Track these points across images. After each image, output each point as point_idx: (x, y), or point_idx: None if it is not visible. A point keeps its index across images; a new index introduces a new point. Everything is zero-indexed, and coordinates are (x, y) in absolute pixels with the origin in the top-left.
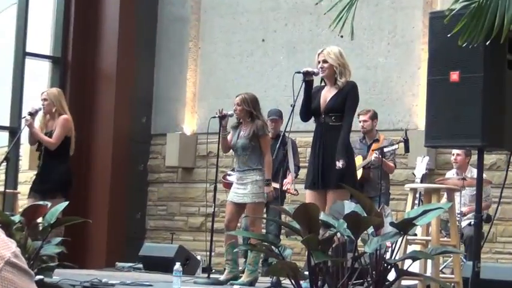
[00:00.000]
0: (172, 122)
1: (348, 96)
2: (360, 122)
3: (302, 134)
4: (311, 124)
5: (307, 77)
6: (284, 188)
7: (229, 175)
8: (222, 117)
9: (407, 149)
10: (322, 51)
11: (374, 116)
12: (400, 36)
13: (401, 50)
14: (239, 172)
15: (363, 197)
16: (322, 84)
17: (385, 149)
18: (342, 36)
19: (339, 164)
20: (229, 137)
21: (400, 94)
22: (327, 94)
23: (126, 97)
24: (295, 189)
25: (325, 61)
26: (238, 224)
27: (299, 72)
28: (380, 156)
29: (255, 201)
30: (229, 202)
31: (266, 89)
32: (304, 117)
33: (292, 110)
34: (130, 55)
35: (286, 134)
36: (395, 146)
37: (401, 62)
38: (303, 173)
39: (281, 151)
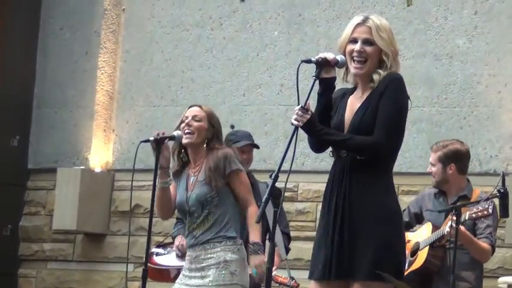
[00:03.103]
0: (68, 148)
1: (384, 97)
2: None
3: (306, 177)
4: (327, 159)
5: (324, 70)
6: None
7: (159, 254)
8: (161, 141)
9: (505, 212)
10: (364, 21)
11: (448, 157)
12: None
13: (499, 24)
14: (192, 248)
15: None
16: (353, 83)
17: (468, 213)
18: None
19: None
20: (171, 190)
21: (495, 107)
22: (355, 103)
23: None
24: (292, 278)
25: (369, 41)
26: None
27: (309, 61)
28: (455, 226)
29: None
30: None
31: (245, 91)
32: (315, 145)
33: (295, 132)
34: None
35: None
36: (486, 206)
37: (499, 47)
38: (299, 250)
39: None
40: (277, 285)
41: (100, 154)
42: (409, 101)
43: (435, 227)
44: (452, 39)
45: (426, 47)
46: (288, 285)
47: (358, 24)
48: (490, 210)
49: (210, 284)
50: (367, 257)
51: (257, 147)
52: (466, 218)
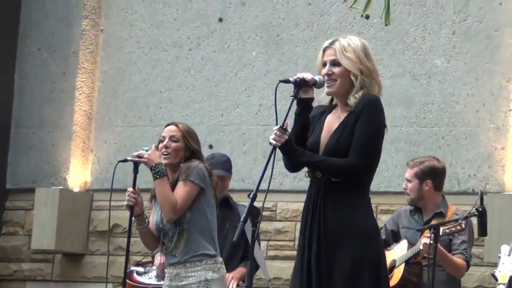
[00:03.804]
0: (46, 168)
1: (360, 119)
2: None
3: (284, 196)
4: (306, 178)
5: (302, 90)
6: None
7: (137, 273)
8: (138, 162)
9: (483, 231)
10: (331, 44)
11: (425, 173)
12: (475, 19)
13: (477, 44)
14: (173, 266)
15: None
16: (332, 102)
17: (442, 229)
18: (367, 17)
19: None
20: (150, 219)
21: (473, 126)
22: (333, 123)
23: None
24: None
25: (335, 63)
26: None
27: (287, 81)
28: (430, 242)
29: None
30: None
31: (223, 111)
32: (290, 164)
33: (273, 151)
34: None
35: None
36: (460, 221)
37: (477, 66)
38: (278, 269)
39: (230, 228)
40: None
41: (78, 174)
42: (385, 123)
43: (411, 244)
44: (430, 59)
45: (404, 67)
46: None
47: (326, 48)
48: (464, 225)
49: None
50: (344, 276)
51: (229, 176)
52: (440, 234)
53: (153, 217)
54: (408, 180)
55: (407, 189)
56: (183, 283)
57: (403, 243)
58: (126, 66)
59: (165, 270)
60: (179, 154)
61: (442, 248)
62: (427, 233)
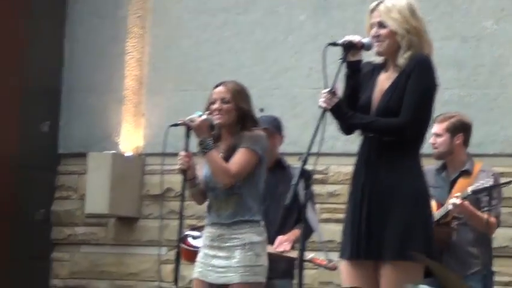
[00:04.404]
0: (98, 133)
1: (411, 78)
2: (431, 136)
3: (336, 159)
4: (357, 141)
5: (351, 53)
6: (278, 250)
7: (193, 237)
8: (188, 126)
9: None
10: (377, 5)
11: (457, 128)
12: None
13: None
14: (217, 227)
15: (453, 277)
16: (381, 61)
17: (471, 188)
18: None
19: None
20: (198, 173)
21: None
22: (384, 83)
23: (10, 88)
24: (330, 260)
25: (381, 24)
26: None
27: (335, 44)
28: (463, 202)
29: (248, 280)
30: (197, 282)
31: (273, 76)
32: (344, 128)
33: (323, 115)
34: (19, 16)
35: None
36: (490, 182)
37: None
38: (331, 232)
39: (283, 190)
40: (316, 267)
41: (130, 138)
42: (436, 82)
43: (439, 204)
44: (479, 22)
45: (453, 30)
46: (326, 267)
47: (372, 10)
48: (492, 182)
49: (236, 265)
50: (396, 237)
51: (277, 133)
52: (469, 193)
53: (202, 171)
54: (438, 135)
55: (435, 144)
56: (227, 244)
57: (432, 204)
58: (176, 30)
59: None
60: (232, 115)
61: (470, 206)
62: (456, 192)
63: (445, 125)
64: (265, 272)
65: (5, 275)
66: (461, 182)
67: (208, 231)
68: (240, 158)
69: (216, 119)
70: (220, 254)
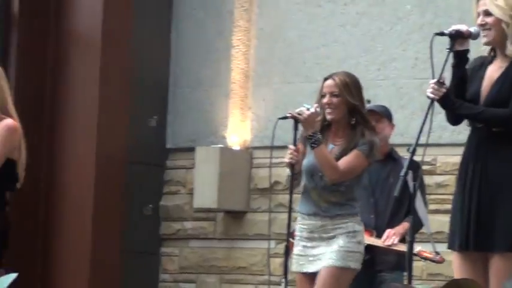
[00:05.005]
0: (205, 127)
1: None
2: None
3: (444, 150)
4: (465, 131)
5: (458, 42)
6: (386, 243)
7: None
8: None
9: None
10: None
11: None
12: None
13: None
14: (318, 218)
15: None
16: (491, 54)
17: None
18: None
19: None
20: (302, 160)
21: None
22: (494, 74)
23: (120, 83)
24: (437, 253)
25: (487, 13)
26: None
27: (442, 34)
28: None
29: (350, 266)
30: (300, 276)
31: (379, 66)
32: (452, 118)
33: (431, 105)
34: (127, 12)
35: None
36: None
37: None
38: (440, 223)
39: (394, 182)
40: (423, 260)
41: (237, 132)
42: None
43: None
44: None
45: None
46: (433, 260)
47: None
48: None
49: (339, 249)
50: (507, 229)
51: (386, 118)
52: None
53: (305, 159)
54: None
55: None
56: (330, 234)
57: None
58: (281, 23)
59: (298, 219)
60: (341, 109)
61: None
62: None
63: None
64: (361, 260)
65: (115, 270)
66: None
67: (305, 223)
68: (352, 160)
69: (327, 114)
70: (321, 243)
